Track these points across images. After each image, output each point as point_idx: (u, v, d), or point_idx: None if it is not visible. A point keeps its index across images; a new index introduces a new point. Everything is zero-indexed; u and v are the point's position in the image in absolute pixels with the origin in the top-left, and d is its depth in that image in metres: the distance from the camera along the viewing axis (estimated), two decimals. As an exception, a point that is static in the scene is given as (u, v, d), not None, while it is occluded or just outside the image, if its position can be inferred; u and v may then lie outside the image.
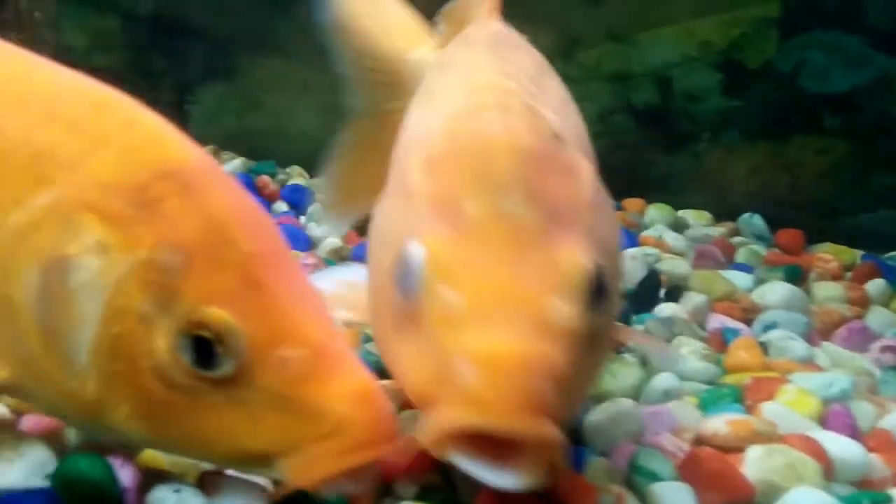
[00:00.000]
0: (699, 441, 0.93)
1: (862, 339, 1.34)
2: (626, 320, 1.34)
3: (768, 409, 1.00)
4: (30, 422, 0.83)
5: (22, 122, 0.71)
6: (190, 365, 0.65)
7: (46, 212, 0.68)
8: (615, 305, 0.79)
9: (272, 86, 2.15)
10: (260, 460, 0.67)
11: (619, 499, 0.80)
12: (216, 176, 0.71)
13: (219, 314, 0.65)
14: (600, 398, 1.00)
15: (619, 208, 1.96)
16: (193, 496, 0.72)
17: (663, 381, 1.08)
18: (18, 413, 0.85)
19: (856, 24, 1.83)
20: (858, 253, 1.75)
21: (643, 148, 2.03)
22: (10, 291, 0.69)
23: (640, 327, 1.32)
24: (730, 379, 1.15)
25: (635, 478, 0.85)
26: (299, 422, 0.65)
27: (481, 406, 0.64)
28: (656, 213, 1.92)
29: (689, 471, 0.85)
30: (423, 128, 0.86)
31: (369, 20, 1.21)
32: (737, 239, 1.83)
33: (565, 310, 0.69)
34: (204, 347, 0.65)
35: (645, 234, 1.79)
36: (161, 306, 0.65)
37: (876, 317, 1.46)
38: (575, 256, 0.71)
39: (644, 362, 1.15)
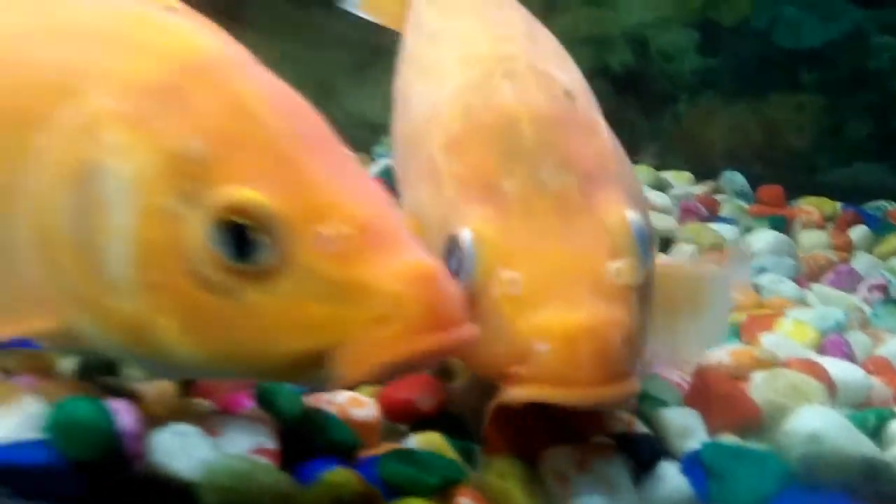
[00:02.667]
0: (703, 371, 0.93)
1: (850, 281, 1.36)
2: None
3: (767, 339, 1.00)
4: (22, 380, 0.80)
5: (59, 44, 0.69)
6: (227, 257, 0.60)
7: (70, 125, 0.65)
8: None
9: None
10: (313, 362, 0.60)
11: (629, 424, 0.80)
12: (241, 62, 0.68)
13: (246, 193, 0.60)
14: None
15: (601, 171, 1.96)
16: (197, 437, 0.70)
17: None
18: (8, 371, 0.82)
19: (827, -22, 1.85)
20: (838, 204, 1.77)
21: (623, 111, 2.03)
22: (43, 218, 0.65)
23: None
24: (726, 319, 1.15)
25: (643, 405, 0.84)
26: (347, 306, 0.59)
27: (567, 383, 0.64)
28: (638, 174, 1.93)
29: (697, 395, 0.85)
30: (431, 106, 0.85)
31: None
32: (719, 196, 1.84)
33: (622, 269, 0.70)
34: (239, 235, 0.60)
35: (628, 193, 1.80)
36: (191, 199, 0.61)
37: (861, 261, 1.48)
38: (619, 213, 0.72)
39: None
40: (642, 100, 2.01)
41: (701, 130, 2.00)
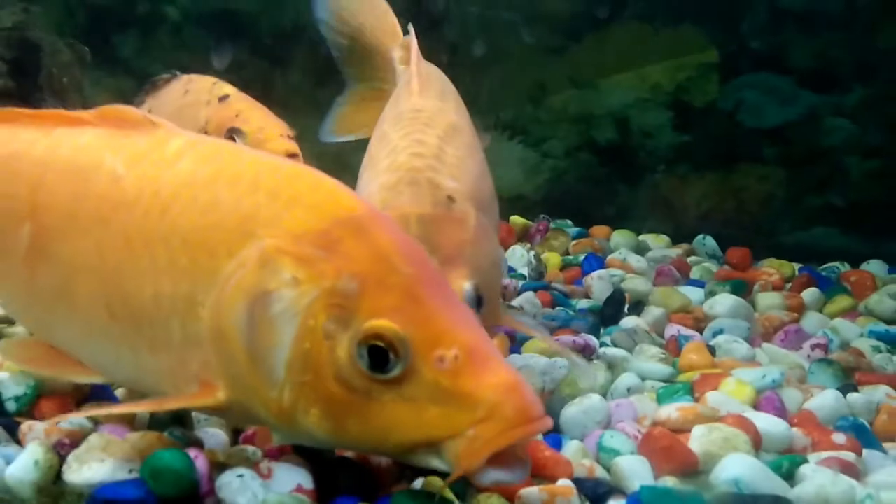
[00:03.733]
0: (655, 425, 1.14)
1: (796, 340, 1.56)
2: (595, 333, 1.55)
3: (712, 397, 1.20)
4: (110, 429, 1.01)
5: (234, 194, 0.91)
6: (366, 369, 0.81)
7: (251, 259, 0.87)
8: (493, 302, 1.15)
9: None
10: (427, 448, 0.81)
11: (590, 470, 1.00)
12: (379, 220, 0.90)
13: (388, 325, 0.81)
14: (574, 395, 1.20)
15: (586, 235, 2.18)
16: (252, 479, 0.91)
17: (627, 379, 1.29)
18: (97, 422, 1.03)
19: (784, 67, 2.09)
20: (798, 266, 1.98)
21: (606, 180, 2.26)
22: (222, 324, 0.87)
23: (607, 339, 1.52)
24: (683, 377, 1.35)
25: (601, 455, 1.05)
26: (458, 409, 0.80)
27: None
28: (620, 238, 2.14)
29: (646, 447, 1.05)
30: (367, 193, 1.19)
31: (361, 18, 1.62)
32: (692, 258, 2.06)
33: None
34: (377, 354, 0.81)
35: (611, 257, 2.01)
36: (342, 324, 0.82)
37: (810, 320, 1.68)
38: (459, 285, 1.06)
39: (610, 365, 1.36)
40: (625, 170, 2.25)
41: (676, 198, 2.23)
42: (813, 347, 1.51)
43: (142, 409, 0.97)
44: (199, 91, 1.63)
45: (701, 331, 1.59)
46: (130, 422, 1.06)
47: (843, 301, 1.76)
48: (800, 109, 2.10)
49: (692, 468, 1.03)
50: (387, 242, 0.87)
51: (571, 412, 1.14)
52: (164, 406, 0.95)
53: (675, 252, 2.07)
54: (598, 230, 2.19)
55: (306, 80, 2.31)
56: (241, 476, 0.91)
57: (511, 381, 0.82)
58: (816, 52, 2.08)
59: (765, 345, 1.54)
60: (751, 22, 2.12)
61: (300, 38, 2.29)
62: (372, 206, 0.94)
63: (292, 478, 0.92)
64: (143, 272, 0.93)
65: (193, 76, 1.67)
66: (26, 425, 1.02)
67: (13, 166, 1.06)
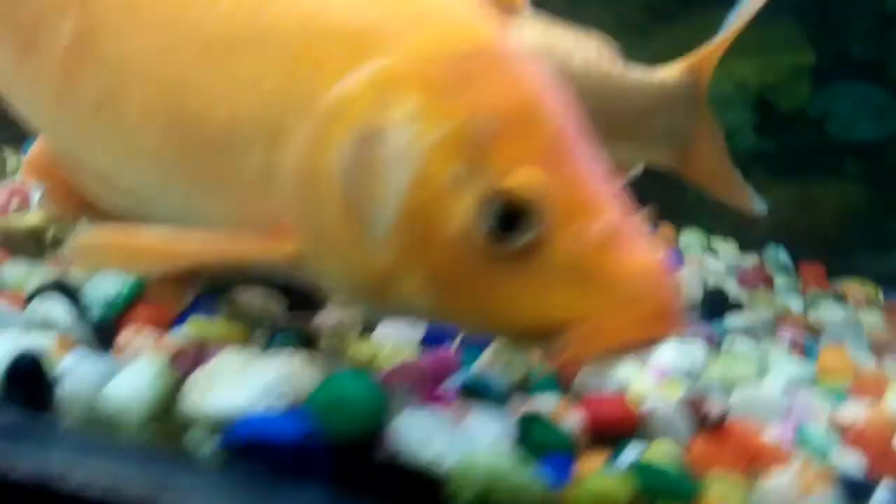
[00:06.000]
0: (839, 425, 1.00)
1: (912, 360, 1.45)
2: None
3: (891, 401, 1.08)
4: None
5: (345, 3, 0.72)
6: (493, 230, 0.64)
7: (366, 84, 0.68)
8: None
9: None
10: (543, 332, 0.65)
11: (804, 464, 0.86)
12: (521, 56, 0.71)
13: (527, 181, 0.64)
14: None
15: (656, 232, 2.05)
16: (446, 427, 0.71)
17: (780, 376, 1.17)
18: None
19: (885, 78, 2.01)
20: (880, 290, 1.89)
21: (676, 177, 2.14)
22: (317, 162, 0.68)
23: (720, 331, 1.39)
24: (827, 378, 1.23)
25: (808, 447, 0.91)
26: (593, 292, 0.64)
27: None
28: (691, 237, 2.02)
29: (858, 442, 0.92)
30: None
31: None
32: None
33: None
34: (507, 216, 0.64)
35: (687, 255, 1.88)
36: (471, 172, 0.65)
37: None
38: None
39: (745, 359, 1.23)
40: (697, 168, 2.13)
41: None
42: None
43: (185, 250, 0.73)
44: None
45: (816, 339, 1.48)
46: (241, 341, 0.84)
47: (941, 327, 1.67)
48: (894, 125, 2.02)
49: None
50: (531, 84, 0.69)
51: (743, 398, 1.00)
52: (216, 250, 0.73)
53: (748, 261, 1.96)
54: (664, 228, 2.06)
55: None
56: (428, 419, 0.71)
57: (656, 267, 0.66)
58: (921, 68, 2.00)
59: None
60: (855, 26, 2.02)
61: None
62: (514, 41, 0.73)
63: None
64: (220, 87, 0.74)
65: None
66: (130, 330, 0.80)
67: None
